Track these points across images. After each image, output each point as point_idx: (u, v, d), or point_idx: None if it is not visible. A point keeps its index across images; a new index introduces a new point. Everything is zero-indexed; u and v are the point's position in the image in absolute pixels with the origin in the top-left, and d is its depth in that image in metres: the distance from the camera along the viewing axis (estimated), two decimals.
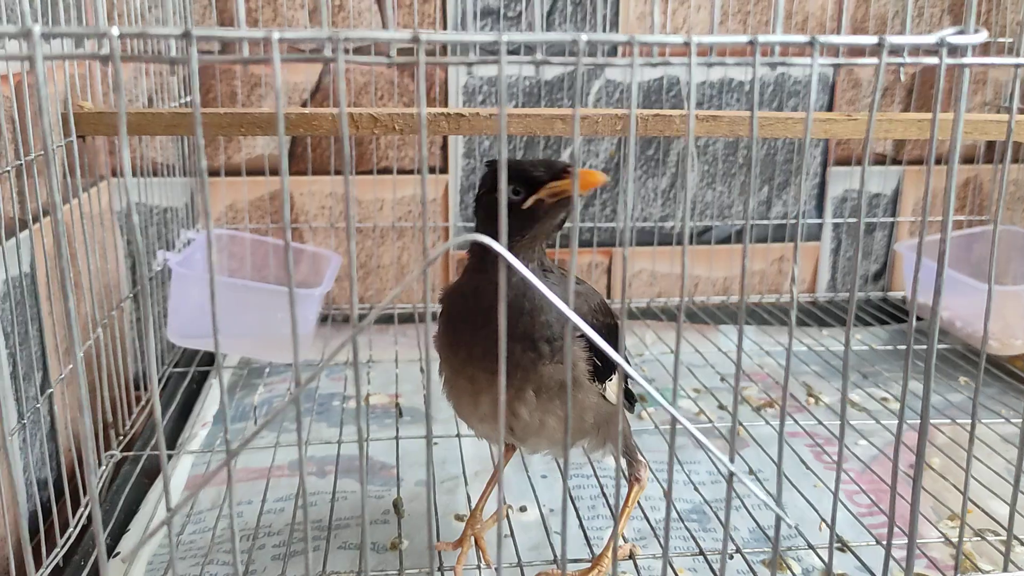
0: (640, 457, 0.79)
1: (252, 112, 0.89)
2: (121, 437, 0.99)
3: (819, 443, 1.05)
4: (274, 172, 1.38)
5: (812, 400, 1.19)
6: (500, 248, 0.45)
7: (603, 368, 0.71)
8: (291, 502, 0.92)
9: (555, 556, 0.82)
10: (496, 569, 0.76)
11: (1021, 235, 1.41)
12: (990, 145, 1.51)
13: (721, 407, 1.15)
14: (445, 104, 1.39)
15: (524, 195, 0.64)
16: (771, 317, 1.45)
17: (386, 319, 1.41)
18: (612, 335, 0.72)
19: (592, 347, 0.70)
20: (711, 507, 0.92)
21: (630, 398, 0.85)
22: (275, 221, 1.40)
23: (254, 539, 0.85)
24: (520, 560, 0.79)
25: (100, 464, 0.93)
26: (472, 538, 0.79)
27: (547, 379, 0.68)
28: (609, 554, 0.76)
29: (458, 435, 1.03)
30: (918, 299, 1.43)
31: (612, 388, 0.73)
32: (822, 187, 1.49)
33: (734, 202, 1.45)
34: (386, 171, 1.41)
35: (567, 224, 0.79)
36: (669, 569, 0.80)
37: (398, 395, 1.17)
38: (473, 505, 0.82)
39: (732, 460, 0.51)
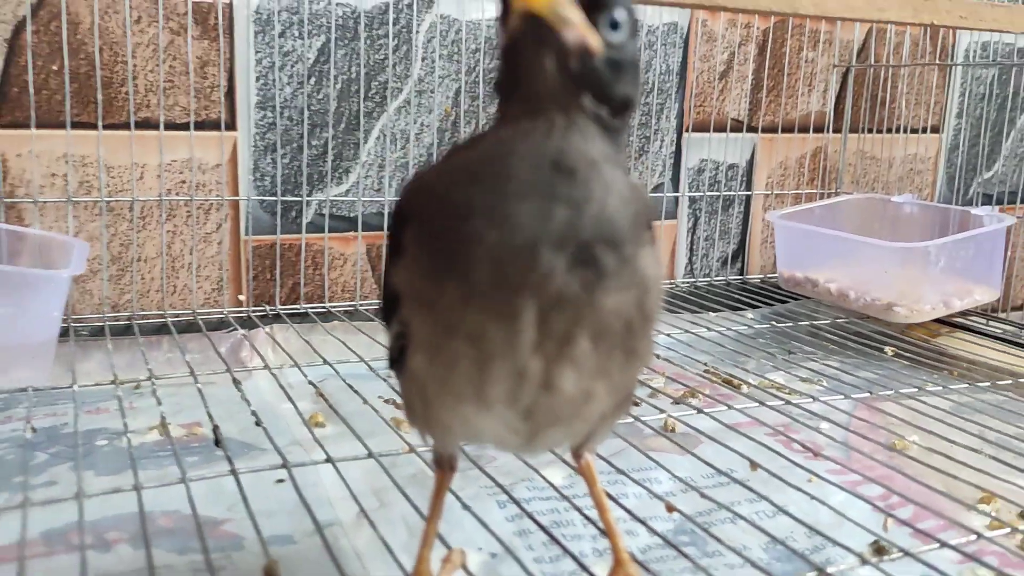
0: None
1: None
2: None
3: (780, 430, 0.83)
4: None
5: (736, 384, 0.97)
6: None
7: None
8: None
9: None
10: None
11: (879, 201, 1.32)
12: (838, 111, 1.41)
13: (635, 403, 0.90)
14: (230, 37, 1.04)
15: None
16: None
17: (156, 329, 1.01)
18: None
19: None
20: (698, 524, 0.65)
21: None
22: None
23: None
24: None
25: None
26: None
27: (610, 316, 0.39)
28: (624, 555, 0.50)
29: (328, 460, 0.68)
30: (791, 272, 1.28)
31: None
32: (678, 156, 1.30)
33: None
34: (148, 125, 1.02)
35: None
36: None
37: (212, 421, 0.79)
38: (407, 542, 0.50)
39: None
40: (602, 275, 0.38)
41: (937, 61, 1.43)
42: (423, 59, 1.14)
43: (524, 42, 0.37)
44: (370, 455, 0.68)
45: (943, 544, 0.60)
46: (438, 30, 1.13)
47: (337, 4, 1.08)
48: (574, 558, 0.56)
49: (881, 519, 0.68)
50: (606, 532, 0.52)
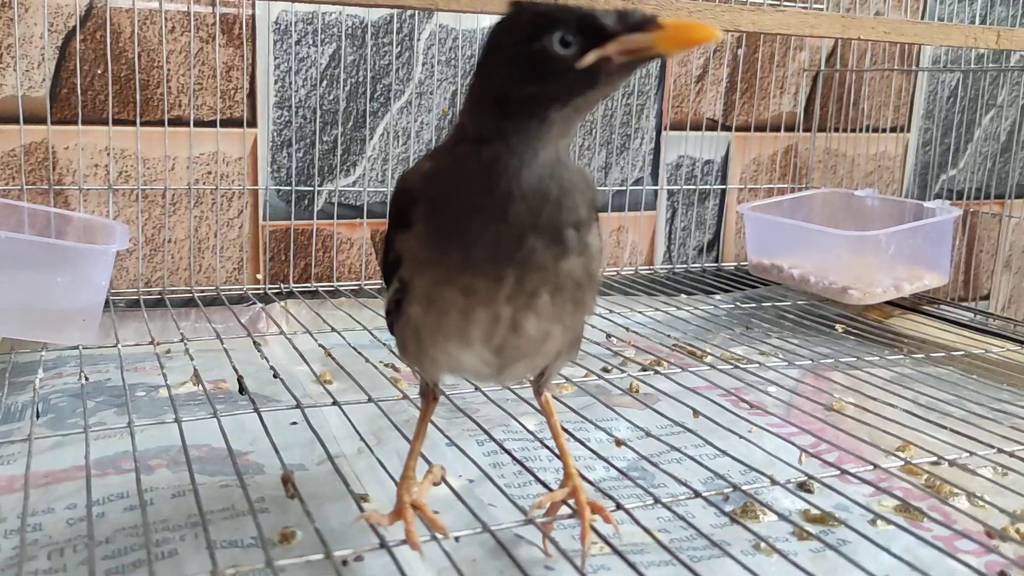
0: None
1: None
2: None
3: (732, 392, 0.95)
4: (31, 119, 1.08)
5: (700, 355, 1.09)
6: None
7: None
8: (116, 503, 0.66)
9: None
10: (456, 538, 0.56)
11: (843, 195, 1.43)
12: (808, 112, 1.53)
13: (605, 369, 1.02)
14: (253, 44, 1.17)
15: (580, 50, 0.48)
16: (611, 289, 1.35)
17: (185, 303, 1.14)
18: None
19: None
20: (650, 461, 0.78)
21: None
22: (33, 182, 1.09)
23: (63, 553, 0.59)
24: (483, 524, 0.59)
25: None
26: (411, 506, 0.59)
27: (565, 278, 0.52)
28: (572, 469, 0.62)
29: (334, 403, 0.81)
30: (759, 259, 1.40)
31: None
32: (656, 152, 1.42)
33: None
34: (179, 122, 1.15)
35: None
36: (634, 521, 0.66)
37: (237, 372, 0.91)
38: (400, 470, 0.62)
39: None
40: (567, 250, 0.51)
41: (901, 66, 1.55)
42: (423, 64, 1.26)
43: (615, 70, 0.47)
44: (370, 400, 0.80)
45: (844, 471, 0.72)
46: (437, 38, 1.26)
47: (347, 15, 1.21)
48: (539, 480, 0.68)
49: (809, 461, 0.80)
50: (559, 454, 0.65)
